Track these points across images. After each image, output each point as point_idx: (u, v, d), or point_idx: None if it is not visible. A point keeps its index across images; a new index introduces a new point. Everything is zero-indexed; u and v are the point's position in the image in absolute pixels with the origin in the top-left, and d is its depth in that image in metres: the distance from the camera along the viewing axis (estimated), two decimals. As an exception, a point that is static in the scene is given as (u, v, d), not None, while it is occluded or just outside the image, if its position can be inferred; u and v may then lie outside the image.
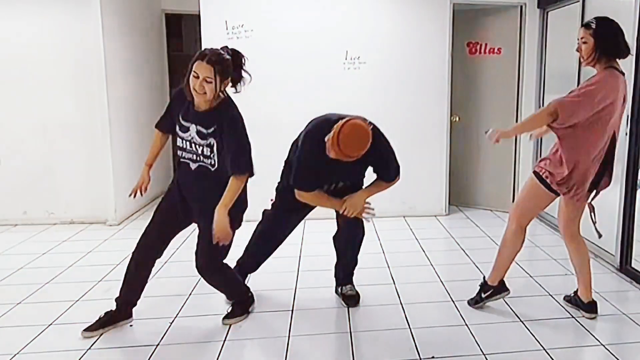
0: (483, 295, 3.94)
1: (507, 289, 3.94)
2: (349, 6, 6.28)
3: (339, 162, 3.48)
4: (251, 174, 3.37)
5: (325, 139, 3.45)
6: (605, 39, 3.39)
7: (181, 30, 8.99)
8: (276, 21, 6.20)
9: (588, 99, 3.32)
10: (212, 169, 3.37)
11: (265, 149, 5.77)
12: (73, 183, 6.20)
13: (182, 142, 3.41)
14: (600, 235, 3.80)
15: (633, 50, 4.26)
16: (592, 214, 3.71)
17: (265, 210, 4.26)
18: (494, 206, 7.04)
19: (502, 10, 6.55)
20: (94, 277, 4.56)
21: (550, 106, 3.36)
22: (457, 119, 6.81)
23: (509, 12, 6.53)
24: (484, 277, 3.98)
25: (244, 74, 3.46)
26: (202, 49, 3.38)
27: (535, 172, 3.65)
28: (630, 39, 4.27)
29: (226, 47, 3.41)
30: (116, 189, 6.15)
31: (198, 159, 3.38)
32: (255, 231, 4.23)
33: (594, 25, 3.41)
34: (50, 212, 6.23)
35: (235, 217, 3.39)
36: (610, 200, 4.65)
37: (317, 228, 5.38)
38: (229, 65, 3.30)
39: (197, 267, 3.54)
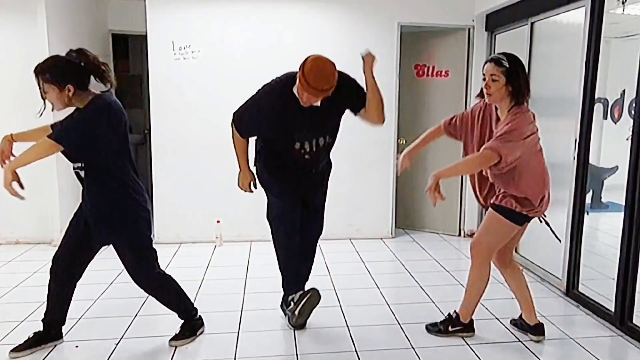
0: (450, 329, 3.81)
1: (473, 330, 3.84)
2: (296, 27, 6.18)
3: (313, 111, 3.50)
4: (60, 144, 3.05)
5: (294, 89, 3.47)
6: (519, 79, 3.32)
7: (128, 51, 8.90)
8: (223, 42, 6.16)
9: (518, 139, 3.23)
10: (82, 173, 3.24)
11: (215, 167, 6.00)
12: (19, 203, 5.82)
13: None
14: (560, 240, 3.85)
15: (582, 74, 4.33)
16: (547, 222, 3.73)
17: (268, 216, 4.06)
18: (440, 229, 6.98)
19: (449, 33, 6.54)
20: (40, 297, 4.28)
21: (487, 152, 3.22)
22: (404, 141, 6.73)
23: (456, 34, 6.53)
24: (456, 312, 3.85)
25: (103, 68, 3.22)
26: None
27: (499, 207, 3.51)
28: (580, 61, 4.35)
29: (70, 50, 3.22)
30: (61, 208, 6.01)
31: (76, 165, 3.27)
32: (274, 239, 4.02)
33: (506, 64, 3.31)
34: (-5, 232, 6.11)
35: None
36: (557, 224, 4.63)
37: (264, 250, 5.35)
38: (63, 69, 3.12)
39: (135, 283, 3.47)
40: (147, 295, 3.68)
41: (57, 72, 3.09)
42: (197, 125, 6.18)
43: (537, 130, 3.37)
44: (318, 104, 3.50)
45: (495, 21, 6.04)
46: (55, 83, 3.07)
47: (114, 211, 3.26)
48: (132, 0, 7.13)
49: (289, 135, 3.63)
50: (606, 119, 4.82)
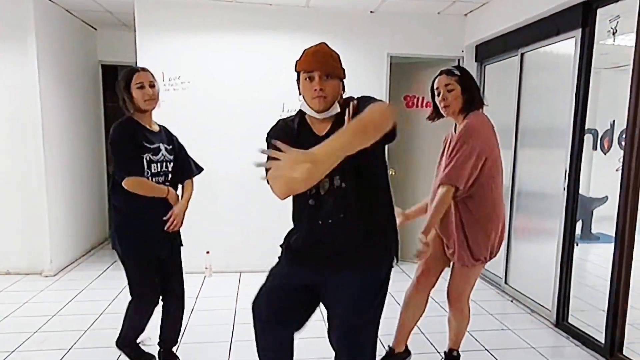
0: None
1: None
2: (287, 57, 6.07)
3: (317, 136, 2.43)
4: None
5: (305, 110, 2.54)
6: (471, 86, 3.26)
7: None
8: (213, 72, 6.10)
9: (468, 160, 3.10)
10: (167, 184, 3.42)
11: (205, 198, 5.71)
12: (10, 234, 6.07)
13: (156, 166, 3.33)
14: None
15: (573, 105, 4.33)
16: None
17: None
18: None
19: (439, 64, 6.32)
20: (30, 328, 4.39)
21: (444, 186, 3.13)
22: (393, 172, 6.70)
23: (446, 65, 6.47)
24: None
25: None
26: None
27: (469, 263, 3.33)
28: (570, 92, 4.37)
29: None
30: (52, 239, 6.04)
31: (167, 178, 3.42)
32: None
33: (458, 72, 3.25)
34: (-14, 262, 6.10)
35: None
36: (547, 255, 4.68)
37: (253, 280, 5.07)
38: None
39: (178, 296, 3.58)
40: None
41: None
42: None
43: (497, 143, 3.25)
44: (337, 110, 2.48)
45: (485, 52, 6.05)
46: None
47: None
48: (122, 30, 7.15)
49: None
50: (596, 149, 4.80)
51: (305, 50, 2.50)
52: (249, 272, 6.04)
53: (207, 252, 6.14)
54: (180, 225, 3.43)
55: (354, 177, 2.41)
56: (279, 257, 2.65)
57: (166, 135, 3.48)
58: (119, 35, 7.28)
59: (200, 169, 3.69)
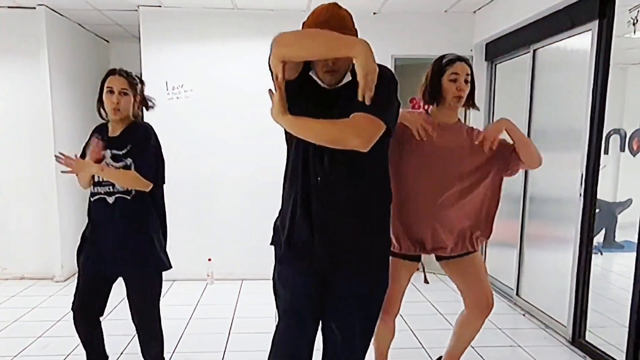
0: None
1: None
2: None
3: (338, 93, 2.20)
4: (154, 183, 3.16)
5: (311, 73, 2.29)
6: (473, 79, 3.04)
7: None
8: (216, 80, 6.13)
9: None
10: (129, 198, 3.10)
11: (207, 205, 6.19)
12: (24, 239, 6.37)
13: (97, 176, 3.12)
14: (427, 282, 3.41)
15: (589, 105, 4.12)
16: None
17: None
18: (437, 269, 6.54)
19: None
20: (35, 333, 4.57)
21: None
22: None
23: None
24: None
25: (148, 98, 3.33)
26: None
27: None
28: (586, 90, 4.16)
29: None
30: (63, 245, 6.22)
31: (115, 187, 3.10)
32: None
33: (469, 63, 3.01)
34: (3, 267, 6.36)
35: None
36: (562, 265, 4.47)
37: (254, 289, 5.65)
38: (137, 83, 3.23)
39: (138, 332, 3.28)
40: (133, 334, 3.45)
41: (136, 82, 3.23)
42: (189, 164, 6.17)
43: None
44: (349, 78, 2.20)
45: (496, 50, 5.83)
46: (135, 90, 3.20)
47: None
48: (133, 42, 7.26)
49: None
50: (623, 151, 4.57)
51: (314, 11, 2.23)
52: (251, 280, 6.15)
53: (209, 260, 6.19)
54: (71, 171, 3.09)
55: (346, 170, 2.20)
56: (276, 265, 2.44)
57: (129, 137, 3.14)
58: (130, 48, 7.37)
59: (151, 180, 3.12)
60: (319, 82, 2.23)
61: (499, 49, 5.73)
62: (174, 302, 5.43)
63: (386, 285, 2.37)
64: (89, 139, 3.22)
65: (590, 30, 4.16)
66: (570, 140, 4.45)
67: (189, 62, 6.09)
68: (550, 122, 4.86)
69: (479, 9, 5.92)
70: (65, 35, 6.42)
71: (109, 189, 3.07)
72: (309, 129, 2.09)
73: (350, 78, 2.19)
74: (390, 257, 2.41)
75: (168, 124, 5.97)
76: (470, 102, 3.05)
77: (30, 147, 6.17)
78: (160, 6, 5.90)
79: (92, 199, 3.15)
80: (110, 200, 3.09)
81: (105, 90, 3.11)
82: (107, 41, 7.63)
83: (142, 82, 3.27)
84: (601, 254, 4.29)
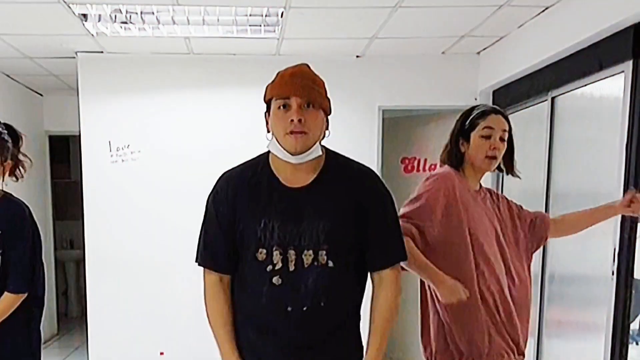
0: None
1: None
2: (255, 115, 5.53)
3: (304, 195, 2.09)
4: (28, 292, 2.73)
5: (270, 160, 2.18)
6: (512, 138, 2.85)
7: (69, 154, 8.78)
8: (165, 142, 5.74)
9: None
10: None
11: (159, 290, 5.72)
12: None
13: None
14: None
15: (623, 162, 3.85)
16: None
17: None
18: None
19: (445, 116, 5.62)
20: None
21: None
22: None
23: (454, 117, 5.65)
24: None
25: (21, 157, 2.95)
26: None
27: None
28: (618, 143, 3.85)
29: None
30: None
31: None
32: None
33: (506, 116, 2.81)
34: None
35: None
36: (591, 356, 4.13)
37: None
38: (5, 143, 2.83)
39: None
40: None
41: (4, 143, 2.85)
42: (137, 238, 5.77)
43: None
44: (312, 178, 2.11)
45: (505, 98, 5.39)
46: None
47: None
48: (71, 95, 6.95)
49: (252, 224, 2.25)
50: None
51: (279, 72, 2.15)
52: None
53: (161, 354, 5.87)
54: None
55: (346, 257, 2.14)
56: None
57: None
58: (67, 102, 7.00)
59: (23, 290, 2.70)
60: (282, 153, 2.06)
61: (510, 96, 5.33)
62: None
63: None
64: None
65: (622, 72, 3.81)
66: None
67: (136, 118, 5.68)
68: (573, 183, 4.59)
69: (484, 49, 5.51)
70: (-7, 89, 6.14)
71: None
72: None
73: (320, 153, 2.10)
74: None
75: (113, 192, 5.79)
76: (507, 165, 2.88)
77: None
78: (102, 52, 5.49)
79: None
80: None
81: None
82: (41, 95, 7.22)
83: (15, 137, 2.90)
84: (638, 343, 4.14)
